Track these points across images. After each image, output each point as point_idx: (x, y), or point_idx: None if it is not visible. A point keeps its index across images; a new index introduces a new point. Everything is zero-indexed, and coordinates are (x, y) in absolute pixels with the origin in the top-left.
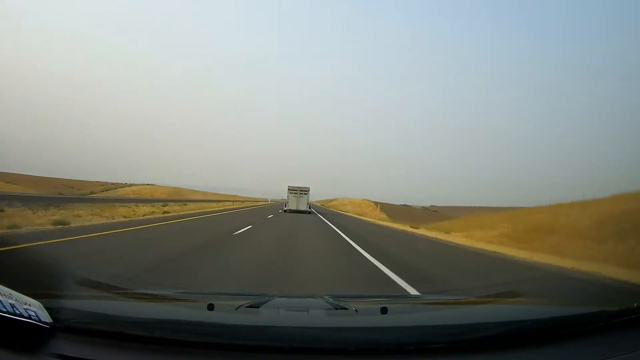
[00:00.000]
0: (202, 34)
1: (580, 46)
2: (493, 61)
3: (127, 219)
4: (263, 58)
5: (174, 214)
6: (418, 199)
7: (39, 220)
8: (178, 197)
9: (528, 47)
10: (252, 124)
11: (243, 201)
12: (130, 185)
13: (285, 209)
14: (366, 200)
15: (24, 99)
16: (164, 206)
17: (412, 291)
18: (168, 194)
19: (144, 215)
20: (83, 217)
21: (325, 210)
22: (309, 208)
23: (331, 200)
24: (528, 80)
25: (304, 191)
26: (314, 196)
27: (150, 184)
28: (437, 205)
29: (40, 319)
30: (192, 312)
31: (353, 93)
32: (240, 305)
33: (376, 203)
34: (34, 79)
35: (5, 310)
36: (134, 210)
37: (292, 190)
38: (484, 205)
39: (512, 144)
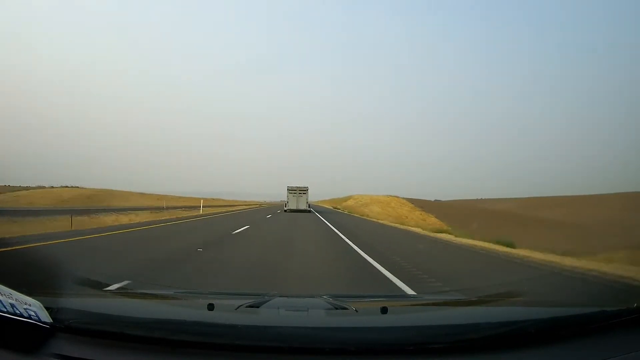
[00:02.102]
0: (198, 34)
1: (580, 32)
2: (491, 54)
3: None
4: (261, 58)
5: None
6: (423, 194)
7: None
8: (85, 203)
9: (528, 34)
10: (251, 125)
11: (199, 207)
12: (28, 188)
13: (286, 208)
14: (392, 196)
15: None
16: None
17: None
18: (60, 200)
19: None
20: None
21: (342, 216)
22: (308, 207)
23: (344, 199)
24: (528, 71)
25: (303, 191)
26: (322, 196)
27: (74, 187)
28: (442, 200)
29: (40, 319)
30: (192, 312)
31: (356, 89)
32: (240, 305)
33: (410, 200)
34: None
35: (5, 310)
36: None
37: (291, 190)
38: (490, 197)
39: (513, 134)
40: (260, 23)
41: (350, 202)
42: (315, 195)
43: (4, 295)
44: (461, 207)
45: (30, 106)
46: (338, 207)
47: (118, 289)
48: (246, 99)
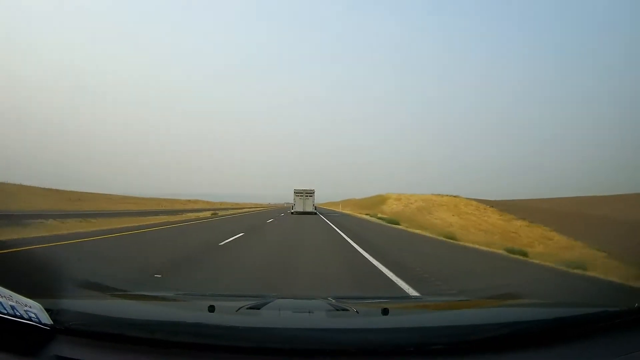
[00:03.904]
0: (198, 36)
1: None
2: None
3: None
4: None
5: None
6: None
7: None
8: None
9: (541, 24)
10: (254, 126)
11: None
12: None
13: (292, 211)
14: (447, 195)
15: None
16: None
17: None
18: None
19: None
20: None
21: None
22: (315, 209)
23: (378, 201)
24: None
25: (310, 193)
26: (335, 197)
27: None
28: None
29: (40, 321)
30: (192, 314)
31: (359, 88)
32: (241, 307)
33: (481, 201)
34: None
35: (5, 312)
36: None
37: (298, 193)
38: (506, 197)
39: (517, 134)
40: (261, 25)
41: (393, 206)
42: (330, 197)
43: (5, 297)
44: (541, 210)
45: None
46: (379, 214)
47: (120, 291)
48: (242, 99)
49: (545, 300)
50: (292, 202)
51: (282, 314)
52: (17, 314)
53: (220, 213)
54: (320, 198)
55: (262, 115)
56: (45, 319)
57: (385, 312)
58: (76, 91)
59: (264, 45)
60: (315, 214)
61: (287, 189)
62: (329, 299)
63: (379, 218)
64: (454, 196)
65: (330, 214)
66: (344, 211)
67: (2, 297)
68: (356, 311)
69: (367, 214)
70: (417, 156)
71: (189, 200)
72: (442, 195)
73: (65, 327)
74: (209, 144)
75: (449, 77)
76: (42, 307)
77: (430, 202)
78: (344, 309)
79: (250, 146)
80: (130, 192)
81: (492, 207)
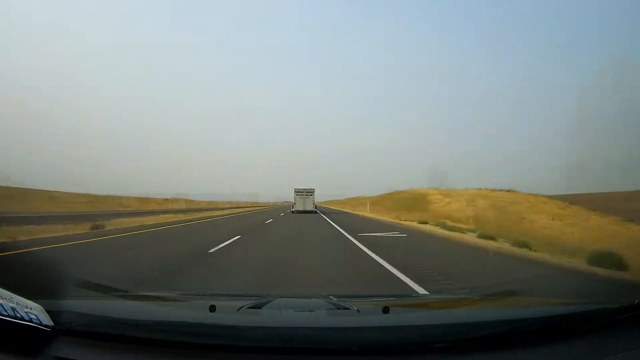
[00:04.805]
0: (194, 33)
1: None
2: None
3: None
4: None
5: None
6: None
7: None
8: None
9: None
10: (252, 122)
11: None
12: None
13: (293, 210)
14: (505, 190)
15: None
16: None
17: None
18: None
19: None
20: None
21: None
22: (314, 208)
23: (414, 200)
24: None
25: (310, 192)
26: (339, 195)
27: None
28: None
29: (41, 322)
30: (193, 314)
31: (357, 87)
32: (242, 306)
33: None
34: None
35: (6, 313)
36: None
37: (298, 192)
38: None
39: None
40: (260, 24)
41: (453, 205)
42: (333, 195)
43: (5, 298)
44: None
45: None
46: (458, 224)
47: (120, 291)
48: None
49: (547, 297)
50: (293, 201)
51: (283, 313)
52: (18, 315)
53: (125, 224)
54: (322, 197)
55: (262, 112)
56: (46, 320)
57: (386, 310)
58: (46, 83)
59: (262, 44)
60: (316, 212)
61: (287, 188)
62: (330, 297)
63: (521, 245)
64: (507, 190)
65: (378, 238)
66: (376, 216)
67: (2, 298)
68: (357, 310)
69: (423, 223)
70: (417, 150)
71: (167, 200)
72: (494, 190)
73: (66, 328)
74: (203, 140)
75: (446, 74)
76: (42, 309)
77: (497, 200)
78: (345, 308)
79: (249, 145)
80: (112, 191)
81: (572, 204)
